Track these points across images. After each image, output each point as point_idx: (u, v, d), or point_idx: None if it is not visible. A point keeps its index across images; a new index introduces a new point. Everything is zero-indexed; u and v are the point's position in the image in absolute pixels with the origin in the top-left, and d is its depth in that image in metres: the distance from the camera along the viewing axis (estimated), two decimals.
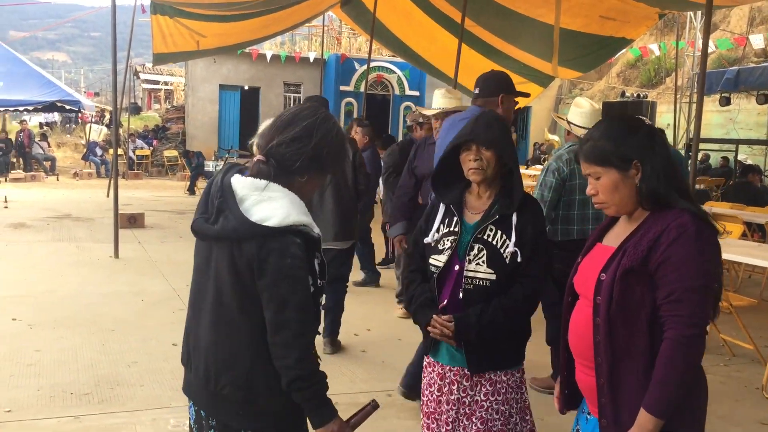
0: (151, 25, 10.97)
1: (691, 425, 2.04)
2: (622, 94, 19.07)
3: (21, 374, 4.66)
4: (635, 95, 18.64)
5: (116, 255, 8.65)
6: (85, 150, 22.99)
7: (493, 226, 2.56)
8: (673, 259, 1.95)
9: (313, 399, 1.95)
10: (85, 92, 43.74)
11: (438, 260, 2.62)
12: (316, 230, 1.99)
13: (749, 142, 18.30)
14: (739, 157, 17.53)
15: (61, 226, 11.11)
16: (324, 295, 2.07)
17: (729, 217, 7.76)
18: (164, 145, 24.57)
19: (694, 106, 15.03)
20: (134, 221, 11.10)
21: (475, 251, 2.55)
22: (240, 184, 1.97)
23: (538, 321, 3.24)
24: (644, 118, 2.22)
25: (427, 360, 2.76)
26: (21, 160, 20.53)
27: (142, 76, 39.16)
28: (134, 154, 22.39)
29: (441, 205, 2.72)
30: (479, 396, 2.60)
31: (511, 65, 11.43)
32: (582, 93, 27.95)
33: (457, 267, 2.57)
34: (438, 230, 2.66)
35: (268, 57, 22.62)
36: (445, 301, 2.59)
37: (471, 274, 2.54)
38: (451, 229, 2.63)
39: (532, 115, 25.20)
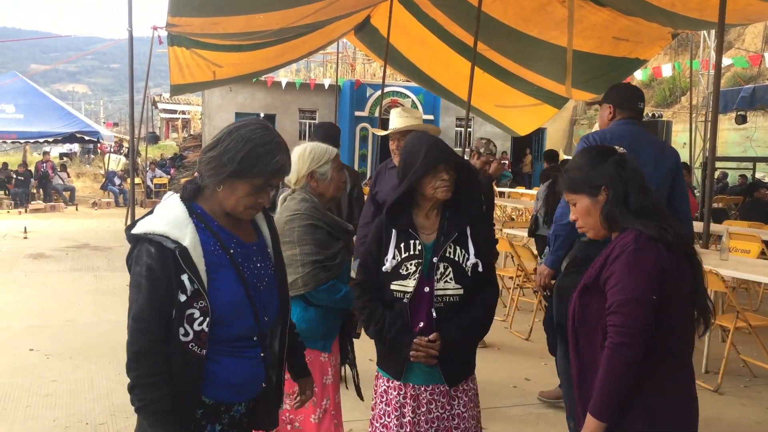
0: (169, 56, 11.12)
1: (644, 427, 2.10)
2: None
3: (37, 405, 4.68)
4: (650, 115, 18.56)
5: None
6: (103, 180, 23.25)
7: (452, 242, 2.63)
8: (613, 275, 2.11)
9: (143, 412, 1.91)
10: (104, 123, 44.29)
11: (405, 285, 2.61)
12: (186, 242, 1.89)
13: (767, 159, 18.14)
14: (757, 175, 17.39)
15: (79, 255, 11.22)
16: (206, 318, 1.91)
17: (747, 236, 7.66)
18: (182, 173, 24.75)
19: (710, 124, 14.97)
20: None
21: (442, 270, 2.61)
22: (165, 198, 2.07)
23: None
24: (618, 148, 2.32)
25: (392, 383, 2.70)
26: (41, 190, 20.78)
27: (160, 105, 39.74)
28: (152, 182, 22.60)
29: (392, 230, 2.68)
30: (459, 409, 2.66)
31: (525, 87, 11.49)
32: (597, 114, 27.89)
33: (427, 288, 2.61)
34: (394, 256, 2.64)
35: (284, 84, 22.82)
36: (422, 323, 2.60)
37: (440, 292, 2.60)
38: (412, 252, 2.63)
39: (547, 136, 25.17)
